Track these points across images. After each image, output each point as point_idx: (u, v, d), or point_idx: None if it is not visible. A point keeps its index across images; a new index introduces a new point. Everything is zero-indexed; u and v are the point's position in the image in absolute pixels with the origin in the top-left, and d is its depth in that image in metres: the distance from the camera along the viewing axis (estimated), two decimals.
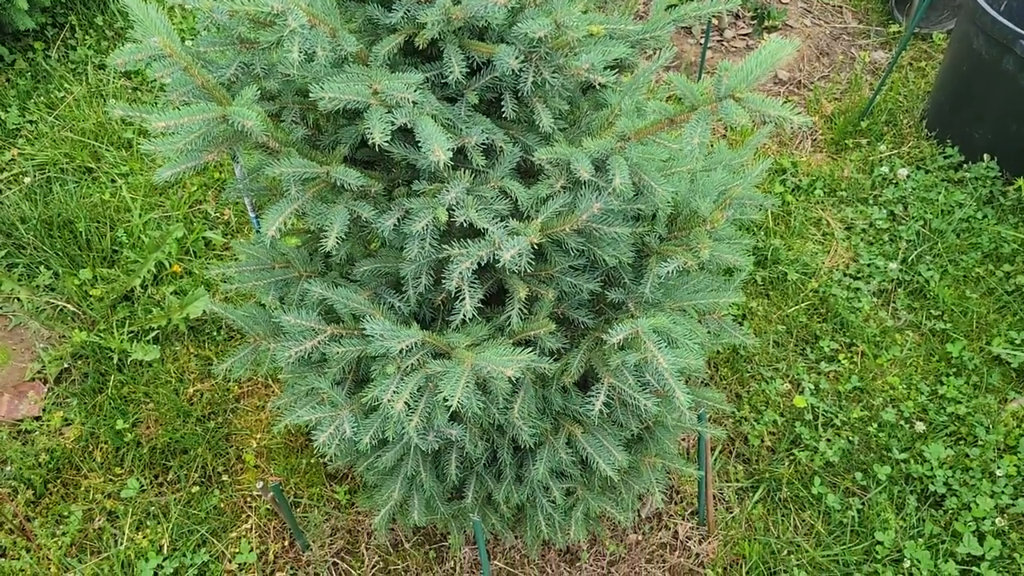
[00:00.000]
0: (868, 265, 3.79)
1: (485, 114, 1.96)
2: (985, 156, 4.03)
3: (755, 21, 4.98)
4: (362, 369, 2.21)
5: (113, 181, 4.02)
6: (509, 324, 2.03)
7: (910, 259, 3.78)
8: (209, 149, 1.73)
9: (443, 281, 1.87)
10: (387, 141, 1.67)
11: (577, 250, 1.99)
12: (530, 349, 1.91)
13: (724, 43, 4.97)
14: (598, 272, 2.13)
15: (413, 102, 1.71)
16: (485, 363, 1.76)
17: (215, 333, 3.49)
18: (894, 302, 3.67)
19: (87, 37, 4.69)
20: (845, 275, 3.77)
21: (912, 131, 4.32)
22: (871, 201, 4.05)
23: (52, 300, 3.51)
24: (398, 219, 1.90)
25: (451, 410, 1.85)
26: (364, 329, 1.89)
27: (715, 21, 4.96)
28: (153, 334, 3.43)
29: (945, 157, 4.15)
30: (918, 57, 4.78)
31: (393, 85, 1.69)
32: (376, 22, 1.84)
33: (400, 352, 1.86)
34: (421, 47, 1.79)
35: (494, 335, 2.06)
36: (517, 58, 1.75)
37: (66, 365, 3.36)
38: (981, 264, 3.75)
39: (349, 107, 1.71)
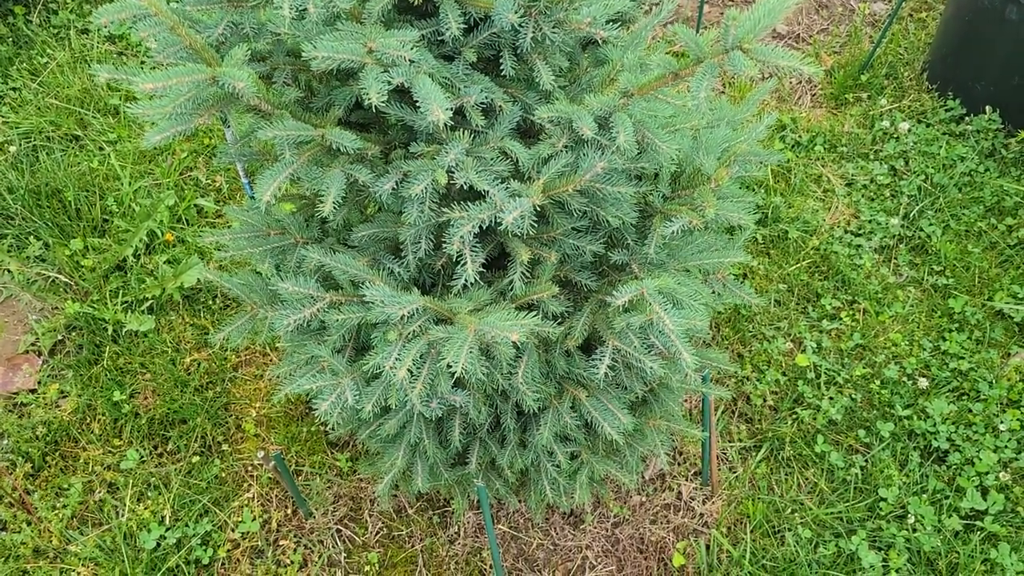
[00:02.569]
0: (869, 221, 3.75)
1: (483, 72, 1.89)
2: (987, 108, 3.97)
3: None
4: (362, 336, 2.17)
5: (101, 149, 3.94)
6: (511, 288, 1.99)
7: (911, 214, 3.74)
8: (199, 112, 1.67)
9: (443, 245, 1.83)
10: (384, 102, 1.61)
11: (580, 211, 1.95)
12: (533, 314, 1.87)
13: None
14: (601, 233, 2.08)
15: (410, 60, 1.65)
16: (489, 328, 1.72)
17: (210, 302, 3.44)
18: (896, 258, 3.64)
19: (68, 1, 4.57)
20: (846, 232, 3.73)
21: (913, 84, 4.26)
22: (872, 156, 4.00)
23: (43, 271, 3.46)
24: (396, 182, 1.84)
25: (455, 376, 1.82)
26: (364, 296, 1.85)
27: None
28: (147, 304, 3.38)
29: (947, 110, 4.09)
30: (919, 8, 4.69)
31: (389, 43, 1.63)
32: None
33: (401, 319, 1.82)
34: (416, 3, 1.73)
35: (496, 300, 2.02)
36: (516, 13, 1.69)
37: (60, 337, 3.32)
38: (983, 218, 3.71)
39: (343, 67, 1.65)
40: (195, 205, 3.71)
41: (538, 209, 1.81)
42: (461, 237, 1.77)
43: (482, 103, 1.83)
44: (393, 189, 1.84)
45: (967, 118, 4.04)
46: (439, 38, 1.81)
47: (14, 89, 4.19)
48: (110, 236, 3.59)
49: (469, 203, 1.78)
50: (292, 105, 1.87)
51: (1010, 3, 3.60)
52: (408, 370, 1.81)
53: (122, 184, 3.74)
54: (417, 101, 1.62)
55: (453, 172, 1.77)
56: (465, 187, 1.78)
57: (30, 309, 3.37)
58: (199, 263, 3.41)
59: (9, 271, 3.43)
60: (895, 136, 4.04)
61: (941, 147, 3.95)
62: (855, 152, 4.01)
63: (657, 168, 1.98)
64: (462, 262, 1.85)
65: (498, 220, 1.74)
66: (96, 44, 4.39)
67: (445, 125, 1.69)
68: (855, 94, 4.24)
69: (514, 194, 1.76)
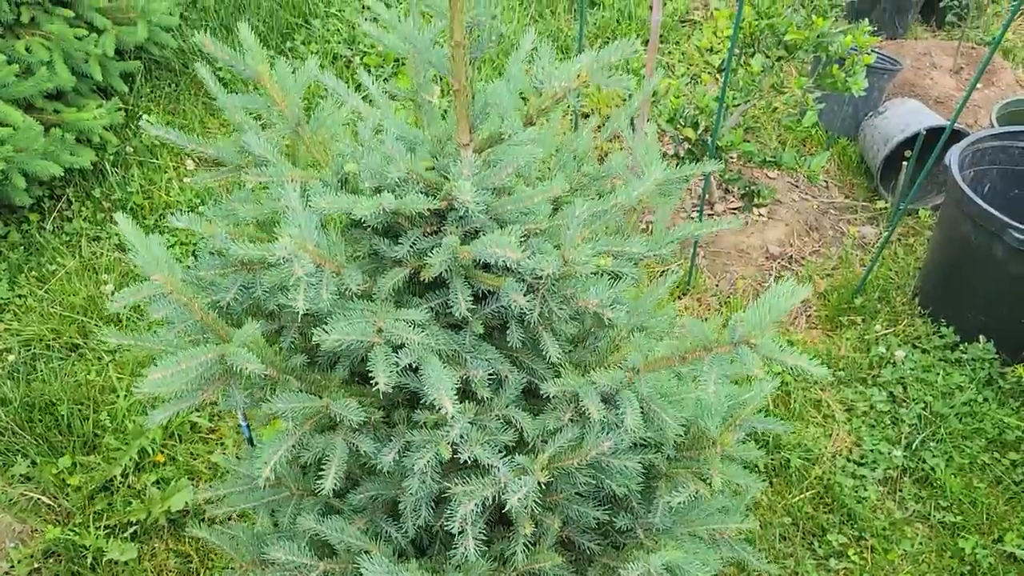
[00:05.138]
0: (872, 451, 3.70)
1: (489, 338, 1.91)
2: (980, 337, 4.02)
3: (744, 197, 5.09)
4: None
5: (100, 358, 3.93)
6: (514, 557, 1.91)
7: (914, 444, 3.70)
8: (205, 388, 1.67)
9: (443, 508, 1.78)
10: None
11: (584, 481, 1.91)
12: None
13: (715, 216, 5.05)
14: (605, 495, 2.04)
15: (419, 343, 1.66)
16: None
17: (196, 528, 3.32)
18: (900, 491, 3.57)
19: (83, 209, 4.72)
20: (849, 461, 3.67)
21: (906, 308, 4.34)
22: (870, 382, 4.00)
23: (27, 491, 3.35)
24: (398, 452, 1.82)
25: None
26: (359, 564, 1.78)
27: (708, 196, 5.05)
28: (131, 529, 3.25)
29: (940, 336, 4.14)
30: (906, 233, 4.86)
31: (399, 325, 1.64)
32: (382, 254, 1.81)
33: None
34: (427, 280, 1.76)
35: (496, 570, 1.94)
36: (524, 294, 1.72)
37: (36, 565, 3.17)
38: (986, 451, 3.67)
39: (352, 347, 1.66)
40: (189, 421, 3.66)
41: (542, 485, 1.77)
42: (463, 516, 1.72)
43: (488, 376, 1.84)
44: (395, 459, 1.81)
45: (962, 345, 4.08)
46: (447, 309, 1.83)
47: (20, 296, 4.23)
48: (99, 453, 3.52)
49: (472, 475, 1.74)
50: (298, 369, 1.88)
51: (996, 242, 3.72)
52: None
53: (118, 397, 3.71)
54: (425, 385, 1.62)
55: (457, 445, 1.74)
56: (469, 461, 1.75)
57: (8, 533, 3.24)
58: (188, 485, 3.32)
59: None
60: (892, 362, 4.07)
61: (938, 375, 3.97)
62: (853, 377, 4.03)
63: (663, 438, 1.96)
64: (463, 536, 1.79)
65: (502, 498, 1.70)
66: (106, 252, 4.49)
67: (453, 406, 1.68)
68: (849, 317, 4.31)
69: (519, 470, 1.73)
